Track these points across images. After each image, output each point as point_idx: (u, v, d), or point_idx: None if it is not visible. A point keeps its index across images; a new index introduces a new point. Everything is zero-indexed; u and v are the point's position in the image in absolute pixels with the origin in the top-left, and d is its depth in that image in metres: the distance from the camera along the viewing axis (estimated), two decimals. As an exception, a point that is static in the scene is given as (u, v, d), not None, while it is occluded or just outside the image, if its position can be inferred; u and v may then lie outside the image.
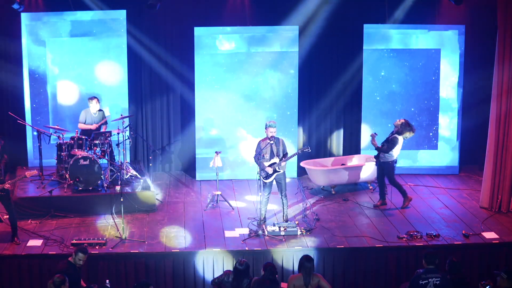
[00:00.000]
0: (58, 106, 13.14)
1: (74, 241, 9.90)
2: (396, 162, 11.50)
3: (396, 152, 11.39)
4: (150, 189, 11.75)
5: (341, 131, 13.87)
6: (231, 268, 9.22)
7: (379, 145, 11.40)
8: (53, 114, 13.13)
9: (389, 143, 11.37)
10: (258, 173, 10.63)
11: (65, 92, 13.13)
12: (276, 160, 10.63)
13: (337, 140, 13.91)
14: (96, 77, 13.15)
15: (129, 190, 11.62)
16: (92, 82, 13.13)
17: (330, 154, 13.84)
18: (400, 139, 11.38)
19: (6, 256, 9.64)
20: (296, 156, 11.58)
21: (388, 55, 13.28)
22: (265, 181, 10.65)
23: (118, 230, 10.42)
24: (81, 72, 13.09)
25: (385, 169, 11.49)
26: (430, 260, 8.14)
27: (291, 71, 13.08)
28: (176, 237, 10.37)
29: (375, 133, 11.54)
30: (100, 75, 13.15)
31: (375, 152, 11.56)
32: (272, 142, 10.58)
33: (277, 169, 10.64)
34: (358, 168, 12.47)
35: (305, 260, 8.23)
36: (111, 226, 10.73)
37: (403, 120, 11.48)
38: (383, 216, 11.29)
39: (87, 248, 8.80)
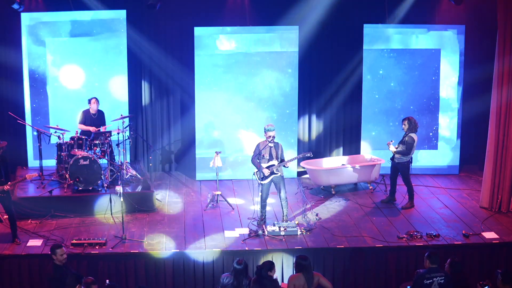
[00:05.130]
0: (58, 106, 13.13)
1: (74, 241, 9.89)
2: (411, 162, 11.51)
3: (411, 151, 11.40)
4: (150, 189, 11.74)
5: (341, 131, 13.87)
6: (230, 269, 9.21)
7: (395, 148, 11.44)
8: (53, 114, 13.12)
9: (405, 144, 11.38)
10: (254, 173, 10.63)
11: (65, 92, 13.12)
12: (274, 162, 10.62)
13: (337, 139, 13.91)
14: (96, 77, 13.14)
15: (129, 190, 11.62)
16: (92, 82, 13.12)
17: (330, 154, 13.85)
18: (415, 136, 11.38)
19: (6, 256, 9.64)
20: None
21: (388, 55, 13.27)
22: (261, 182, 10.64)
23: (118, 230, 10.43)
24: (81, 72, 13.08)
25: (400, 169, 11.50)
26: (435, 259, 8.13)
27: (290, 71, 13.08)
28: (176, 237, 10.36)
29: (391, 141, 11.59)
30: (100, 75, 13.15)
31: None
32: (271, 145, 10.58)
33: (274, 171, 10.63)
34: (358, 168, 12.46)
35: (302, 259, 8.24)
36: (111, 226, 10.73)
37: (407, 118, 11.49)
38: (383, 216, 11.28)
39: (60, 243, 9.18)
